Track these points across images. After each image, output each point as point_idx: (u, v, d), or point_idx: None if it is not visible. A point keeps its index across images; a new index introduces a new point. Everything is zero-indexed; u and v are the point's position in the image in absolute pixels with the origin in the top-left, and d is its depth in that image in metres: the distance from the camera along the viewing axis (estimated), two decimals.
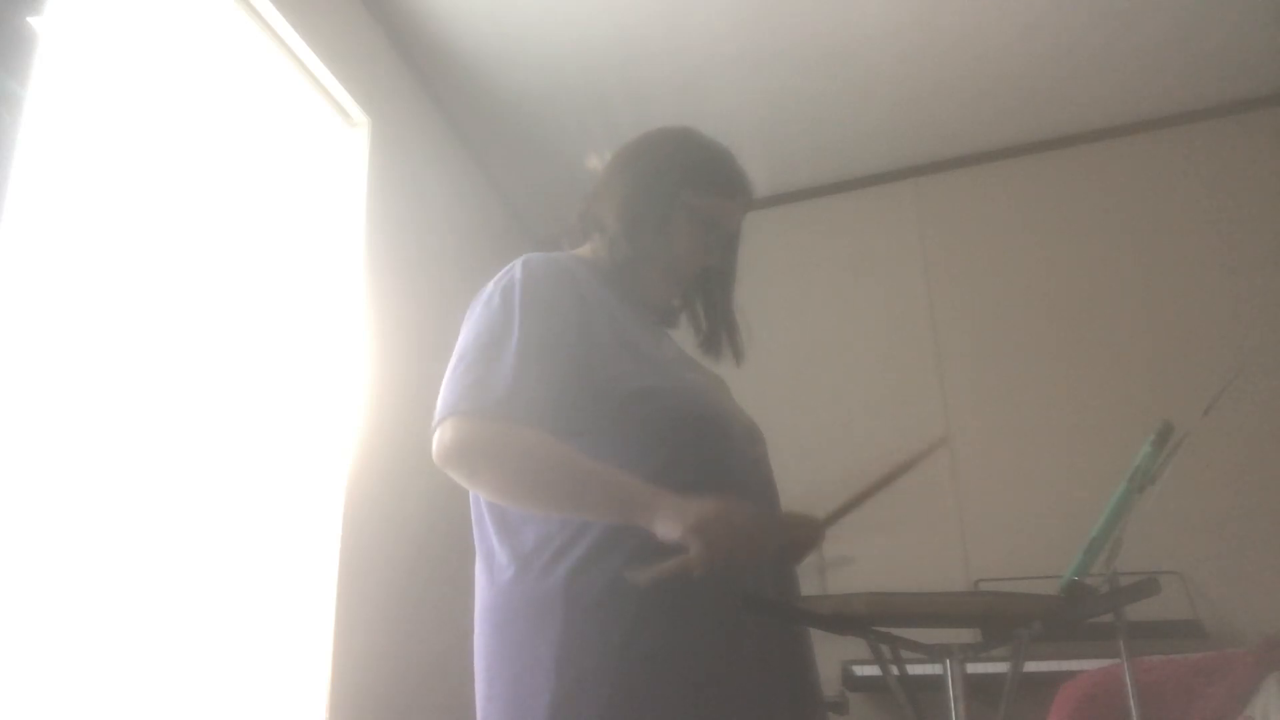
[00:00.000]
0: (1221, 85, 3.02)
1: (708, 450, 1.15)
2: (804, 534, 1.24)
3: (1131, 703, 1.22)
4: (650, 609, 1.05)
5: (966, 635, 1.22)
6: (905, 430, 3.12)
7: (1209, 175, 3.08)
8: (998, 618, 1.15)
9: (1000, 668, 2.29)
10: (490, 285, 1.22)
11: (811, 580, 1.41)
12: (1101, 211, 3.18)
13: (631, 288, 1.31)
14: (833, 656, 2.59)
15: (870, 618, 1.05)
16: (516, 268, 1.21)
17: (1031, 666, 2.29)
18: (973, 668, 1.07)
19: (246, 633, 1.86)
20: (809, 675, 1.19)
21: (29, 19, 1.22)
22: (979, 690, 1.07)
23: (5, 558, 1.37)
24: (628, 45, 2.81)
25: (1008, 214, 3.28)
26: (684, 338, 1.40)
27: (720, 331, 1.39)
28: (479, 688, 1.13)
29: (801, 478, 1.33)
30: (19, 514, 1.40)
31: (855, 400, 3.21)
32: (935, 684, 1.08)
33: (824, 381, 3.25)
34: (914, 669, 1.17)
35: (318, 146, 2.42)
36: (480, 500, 1.20)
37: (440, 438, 1.08)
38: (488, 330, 1.15)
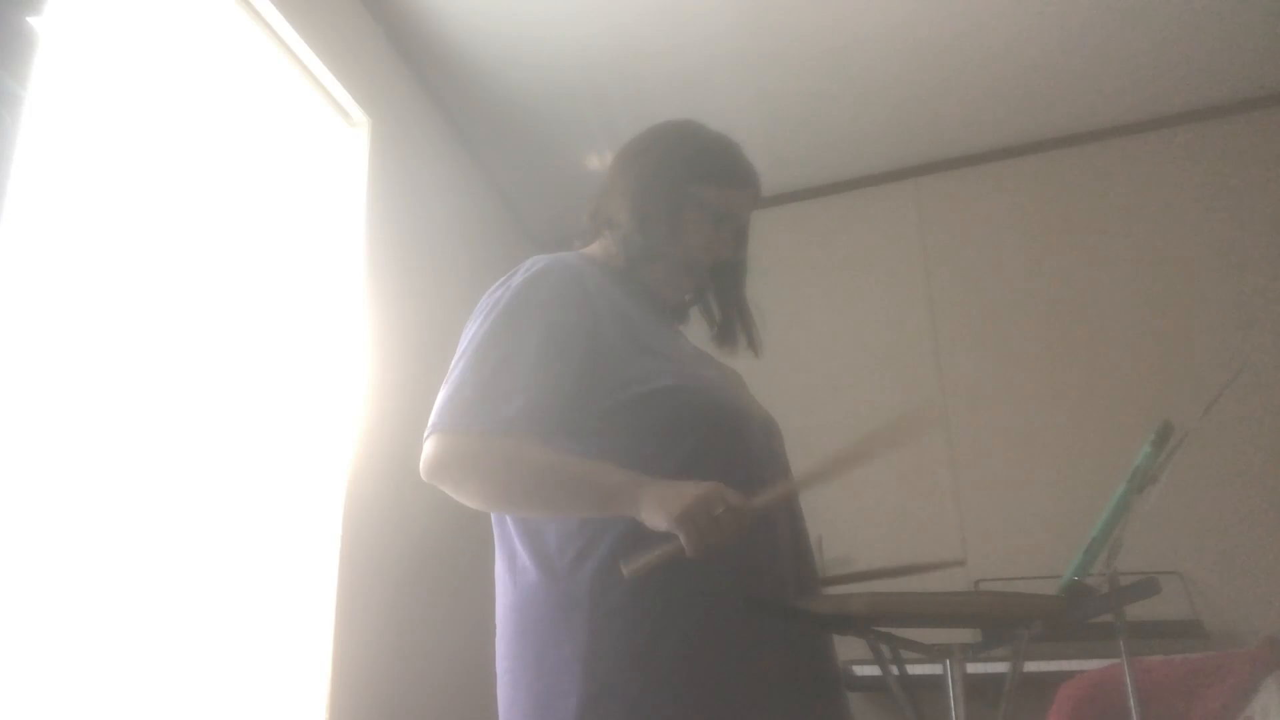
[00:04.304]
0: (1221, 85, 3.02)
1: (727, 446, 1.15)
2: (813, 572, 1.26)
3: (1131, 703, 1.22)
4: (676, 609, 1.05)
5: (966, 635, 1.22)
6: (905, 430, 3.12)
7: (1209, 175, 3.08)
8: (998, 618, 1.15)
9: (1000, 668, 2.28)
10: (488, 294, 1.22)
11: None
12: (1101, 211, 3.18)
13: (644, 285, 1.30)
14: (836, 657, 2.59)
15: (870, 618, 1.05)
16: (519, 272, 1.21)
17: (1031, 666, 2.29)
18: (973, 668, 1.07)
19: (247, 633, 1.86)
20: (831, 675, 1.19)
21: (29, 19, 1.22)
22: (979, 690, 1.07)
23: (6, 558, 1.37)
24: (628, 45, 2.81)
25: (1008, 214, 3.28)
26: (695, 333, 1.40)
27: (735, 323, 1.39)
28: (502, 690, 1.13)
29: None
30: (20, 514, 1.40)
31: (855, 400, 3.20)
32: (935, 684, 1.08)
33: (824, 381, 3.25)
34: (914, 669, 1.17)
35: (318, 146, 2.42)
36: None
37: (425, 454, 1.10)
38: (480, 340, 1.15)
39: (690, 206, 1.29)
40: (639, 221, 1.28)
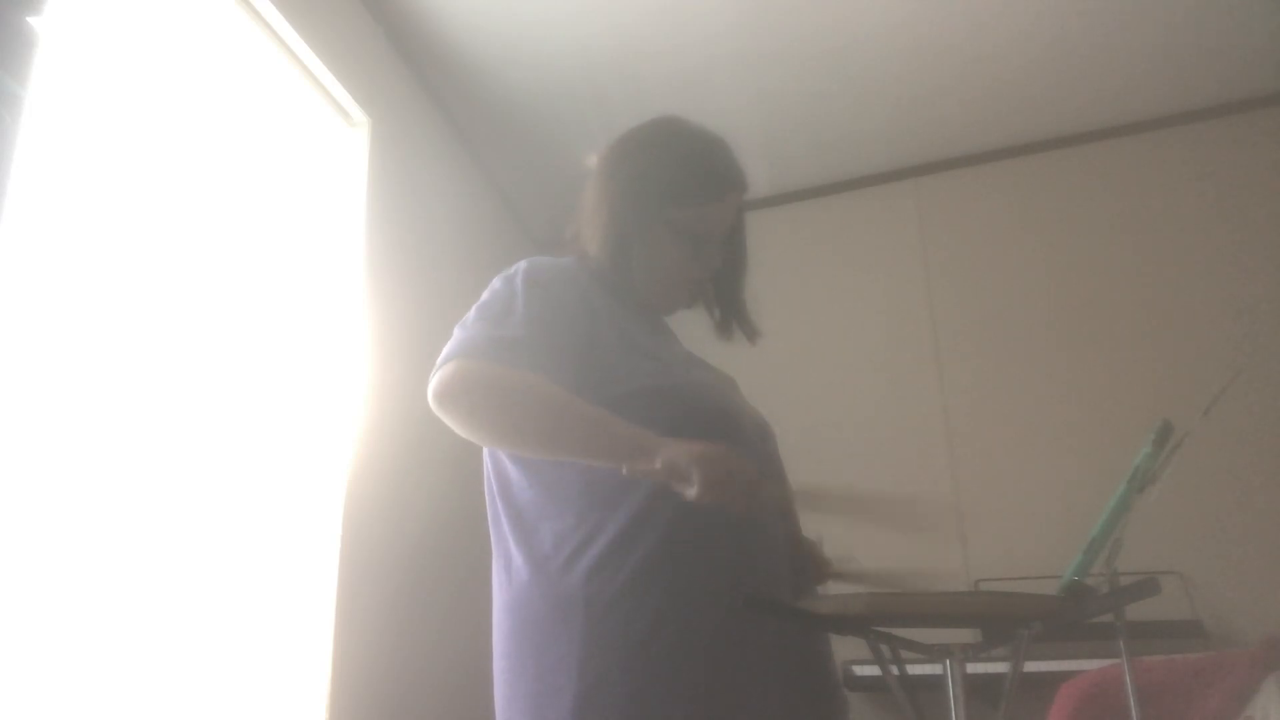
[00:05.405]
0: (1221, 85, 3.02)
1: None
2: (814, 566, 1.26)
3: (1131, 703, 1.22)
4: (671, 607, 1.05)
5: (966, 635, 1.22)
6: (905, 430, 3.12)
7: (1209, 175, 3.08)
8: (998, 618, 1.15)
9: (1000, 668, 2.29)
10: (494, 280, 1.23)
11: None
12: (1101, 211, 3.18)
13: (633, 294, 1.30)
14: (833, 657, 2.60)
15: (870, 618, 1.05)
16: (521, 263, 1.22)
17: (1031, 666, 2.28)
18: (973, 668, 1.07)
19: (247, 633, 1.86)
20: (827, 674, 1.19)
21: (29, 19, 1.22)
22: (979, 690, 1.07)
23: (6, 558, 1.37)
24: (627, 45, 2.81)
25: (1008, 214, 3.28)
26: (692, 334, 1.40)
27: (732, 318, 1.38)
28: (499, 689, 1.13)
29: (800, 477, 1.33)
30: (20, 515, 1.40)
31: (855, 400, 3.21)
32: (935, 684, 1.08)
33: (824, 381, 3.25)
34: (914, 669, 1.17)
35: (318, 146, 2.42)
36: (497, 501, 1.20)
37: (439, 378, 1.07)
38: (493, 301, 1.16)
39: (665, 235, 1.26)
40: (611, 255, 1.26)
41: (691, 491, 0.96)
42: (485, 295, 1.19)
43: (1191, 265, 3.01)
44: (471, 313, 1.17)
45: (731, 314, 1.39)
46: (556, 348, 1.12)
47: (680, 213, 1.25)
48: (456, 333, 1.14)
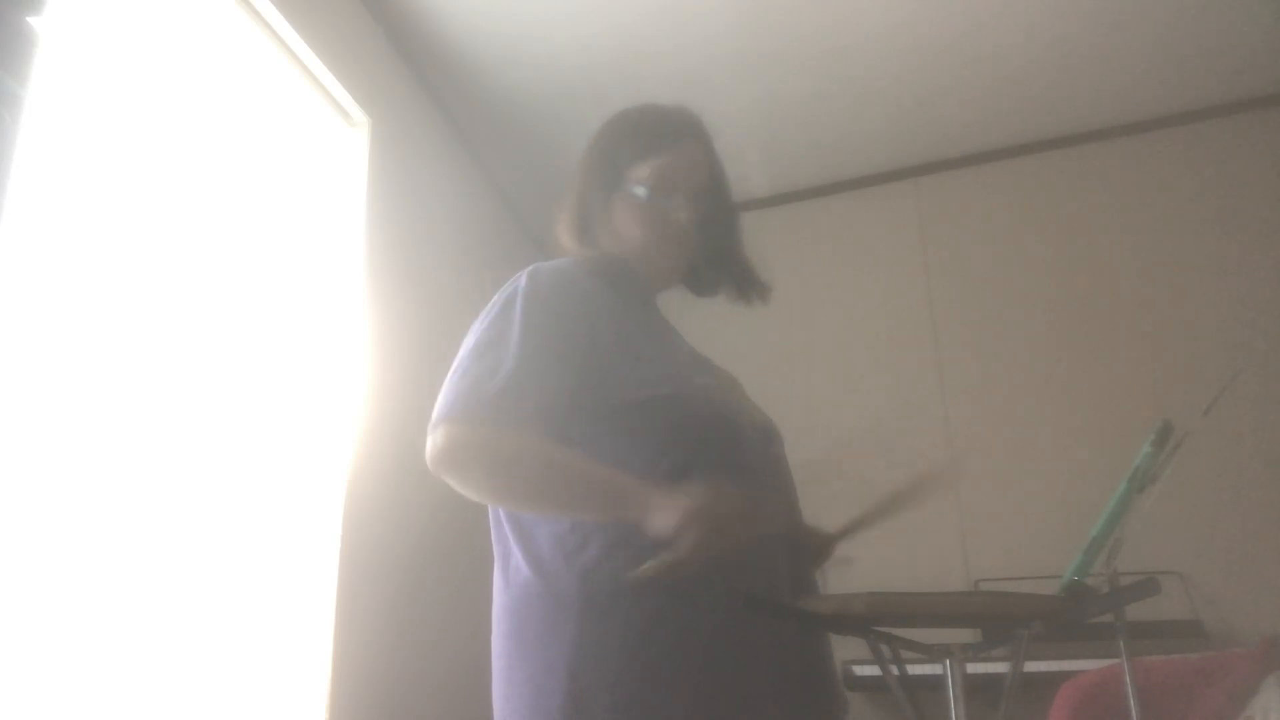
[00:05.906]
0: (1221, 85, 3.02)
1: (720, 452, 1.15)
2: (815, 545, 1.25)
3: (1131, 703, 1.22)
4: (665, 607, 1.05)
5: (966, 635, 1.22)
6: (906, 430, 3.12)
7: (1209, 175, 3.08)
8: (998, 618, 1.15)
9: (1000, 668, 2.29)
10: (495, 296, 1.22)
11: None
12: (1101, 211, 3.18)
13: (635, 282, 1.30)
14: (833, 656, 2.60)
15: (870, 618, 1.05)
16: (521, 278, 1.21)
17: (1031, 666, 2.28)
18: (973, 668, 1.07)
19: (247, 633, 1.86)
20: (826, 673, 1.19)
21: (29, 19, 1.22)
22: (979, 690, 1.07)
23: (6, 558, 1.37)
24: (627, 45, 2.81)
25: (1008, 214, 3.28)
26: (692, 327, 1.40)
27: (741, 279, 1.39)
28: (496, 689, 1.13)
29: (801, 477, 1.33)
30: (20, 514, 1.40)
31: (856, 400, 3.21)
32: (935, 684, 1.08)
33: (824, 382, 3.25)
34: (914, 669, 1.17)
35: (318, 146, 2.42)
36: None
37: (433, 443, 1.08)
38: (486, 338, 1.15)
39: (629, 200, 1.29)
40: (577, 235, 1.32)
41: (681, 560, 0.96)
42: (481, 326, 1.18)
43: (1191, 265, 3.01)
44: (465, 353, 1.15)
45: (735, 273, 1.38)
46: (554, 375, 1.11)
47: (635, 173, 1.29)
48: (448, 384, 1.12)
